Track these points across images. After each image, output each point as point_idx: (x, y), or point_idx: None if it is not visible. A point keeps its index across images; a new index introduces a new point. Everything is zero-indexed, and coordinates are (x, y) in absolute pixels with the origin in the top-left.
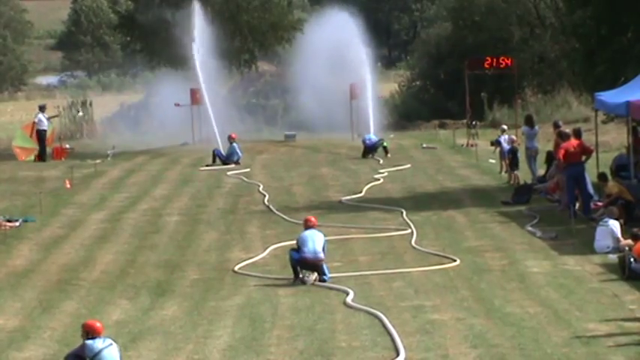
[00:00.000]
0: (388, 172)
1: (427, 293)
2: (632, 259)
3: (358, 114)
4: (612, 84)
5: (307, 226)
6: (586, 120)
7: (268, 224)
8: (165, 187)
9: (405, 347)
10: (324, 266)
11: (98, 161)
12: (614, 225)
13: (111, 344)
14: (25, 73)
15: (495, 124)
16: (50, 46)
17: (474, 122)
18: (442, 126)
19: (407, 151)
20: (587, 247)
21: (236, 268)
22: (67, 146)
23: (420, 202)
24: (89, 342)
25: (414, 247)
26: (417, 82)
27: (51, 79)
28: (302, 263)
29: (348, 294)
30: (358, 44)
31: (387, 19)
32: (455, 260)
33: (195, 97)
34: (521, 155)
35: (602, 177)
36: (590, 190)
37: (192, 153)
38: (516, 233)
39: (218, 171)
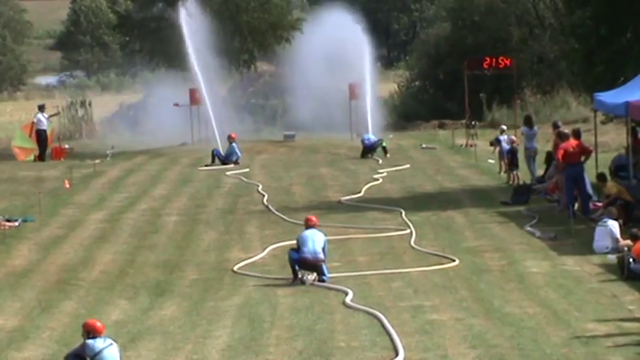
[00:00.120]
0: (387, 172)
1: (426, 293)
2: (631, 260)
3: (357, 114)
4: (611, 84)
5: (308, 225)
6: (585, 120)
7: (267, 224)
8: (165, 187)
9: (404, 347)
10: (324, 266)
11: (97, 161)
12: (613, 225)
13: (111, 344)
14: (25, 73)
15: (494, 125)
16: (49, 46)
17: (473, 122)
18: (441, 126)
19: (406, 151)
20: (586, 247)
21: (235, 268)
22: (67, 146)
23: (419, 202)
24: (90, 341)
25: (413, 248)
26: (417, 83)
27: (50, 79)
28: (301, 263)
29: (347, 294)
30: (357, 44)
31: (387, 20)
32: (454, 260)
33: (194, 97)
34: (521, 155)
35: (601, 177)
36: (590, 190)
37: (191, 153)
38: (515, 233)
39: (217, 171)
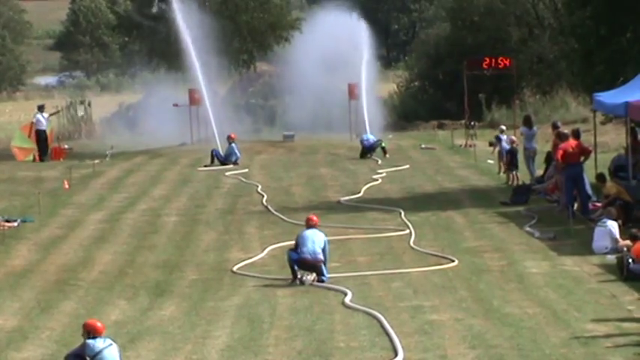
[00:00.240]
0: (387, 172)
1: (426, 294)
2: (630, 260)
3: (357, 114)
4: (611, 84)
5: (309, 225)
6: (584, 120)
7: (267, 224)
8: (164, 187)
9: (403, 348)
10: (323, 267)
11: (97, 161)
12: (613, 226)
13: (111, 344)
14: (24, 74)
15: (494, 125)
16: (49, 47)
17: (472, 123)
18: (441, 126)
19: (405, 151)
20: (585, 247)
21: (234, 269)
22: (66, 146)
23: (418, 202)
24: (90, 341)
25: (412, 248)
26: (416, 83)
27: (49, 79)
28: (300, 263)
29: (346, 294)
30: (356, 43)
31: (386, 20)
32: (453, 261)
33: (193, 97)
34: (520, 156)
35: (600, 177)
36: (589, 190)
37: (190, 153)
38: (515, 234)
39: (216, 171)
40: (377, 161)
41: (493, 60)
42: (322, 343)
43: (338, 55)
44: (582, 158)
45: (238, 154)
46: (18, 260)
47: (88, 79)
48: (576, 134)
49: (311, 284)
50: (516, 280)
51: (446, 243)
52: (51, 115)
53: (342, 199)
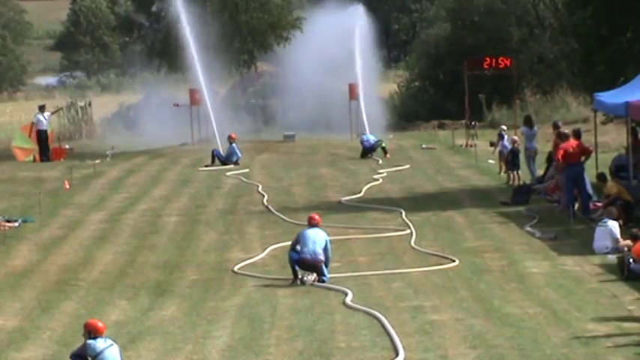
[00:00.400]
0: (387, 172)
1: (426, 294)
2: (631, 260)
3: (357, 114)
4: (611, 84)
5: (311, 224)
6: (585, 120)
7: (267, 224)
8: (165, 187)
9: (404, 348)
10: (323, 267)
11: (97, 161)
12: (613, 225)
13: (112, 344)
14: (25, 74)
15: (494, 125)
16: (49, 47)
17: (473, 123)
18: (441, 126)
19: (406, 151)
20: (586, 247)
21: (235, 269)
22: (67, 147)
23: (419, 202)
24: (91, 342)
25: (413, 248)
26: (416, 83)
27: (50, 79)
28: (301, 264)
29: (347, 294)
30: (356, 43)
31: (387, 20)
32: (454, 261)
33: (194, 97)
34: (521, 155)
35: (601, 177)
36: (590, 190)
37: (191, 153)
38: (515, 234)
39: (217, 171)
40: (377, 161)
41: (493, 60)
42: (323, 343)
43: (338, 55)
44: (583, 158)
45: (239, 154)
46: (19, 260)
47: (89, 79)
48: (577, 134)
49: (312, 284)
50: (517, 280)
51: (446, 243)
52: (53, 113)
53: (343, 199)
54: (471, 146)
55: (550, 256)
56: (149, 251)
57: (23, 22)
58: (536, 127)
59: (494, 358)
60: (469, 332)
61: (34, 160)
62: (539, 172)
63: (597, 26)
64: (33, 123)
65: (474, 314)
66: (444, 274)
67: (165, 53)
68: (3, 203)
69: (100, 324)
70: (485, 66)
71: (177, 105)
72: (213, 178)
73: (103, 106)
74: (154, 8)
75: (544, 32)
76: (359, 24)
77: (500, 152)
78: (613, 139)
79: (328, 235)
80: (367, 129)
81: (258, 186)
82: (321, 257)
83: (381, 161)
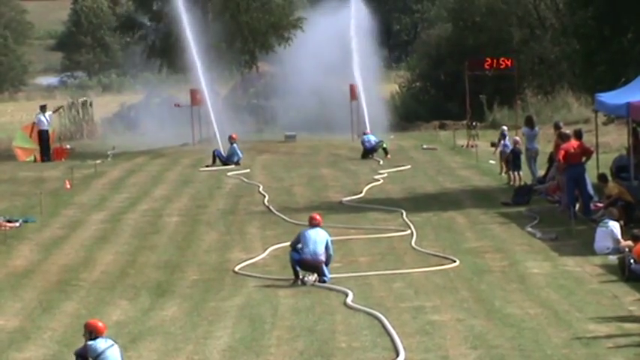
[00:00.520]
0: (388, 172)
1: (427, 294)
2: (631, 261)
3: (358, 114)
4: (612, 85)
5: (312, 223)
6: (586, 121)
7: (268, 225)
8: (166, 187)
9: (404, 348)
10: (324, 267)
11: (98, 162)
12: (614, 226)
13: (113, 345)
14: (26, 74)
15: (495, 125)
16: (50, 47)
17: (474, 123)
18: (442, 127)
19: (407, 151)
20: (587, 248)
21: (236, 269)
22: (67, 146)
23: (420, 202)
24: (92, 343)
25: (414, 248)
26: (417, 83)
27: (51, 79)
28: (302, 264)
29: (348, 295)
30: (358, 44)
31: (387, 20)
32: (455, 261)
33: (195, 97)
34: (522, 156)
35: (602, 178)
36: (591, 191)
37: (192, 154)
38: (516, 234)
39: (218, 171)
40: (378, 162)
41: (495, 60)
42: (324, 344)
43: (339, 55)
44: (584, 159)
45: (240, 154)
46: (19, 260)
47: (90, 79)
48: (578, 135)
49: (312, 285)
50: (518, 281)
51: (447, 243)
52: (54, 111)
53: (344, 199)
54: (472, 147)
55: (551, 257)
56: (150, 251)
57: (24, 22)
58: (537, 128)
59: (495, 359)
60: (470, 333)
61: (35, 160)
62: (541, 172)
63: (598, 27)
64: (34, 123)
65: (475, 315)
66: (445, 275)
67: (167, 53)
68: (4, 203)
69: (100, 324)
70: (487, 66)
71: (178, 105)
72: (214, 178)
73: (104, 106)
74: (154, 8)
75: (545, 33)
76: (359, 24)
77: (502, 152)
78: (614, 139)
79: (330, 235)
80: (368, 128)
81: (259, 186)
82: (322, 257)
83: (381, 162)
